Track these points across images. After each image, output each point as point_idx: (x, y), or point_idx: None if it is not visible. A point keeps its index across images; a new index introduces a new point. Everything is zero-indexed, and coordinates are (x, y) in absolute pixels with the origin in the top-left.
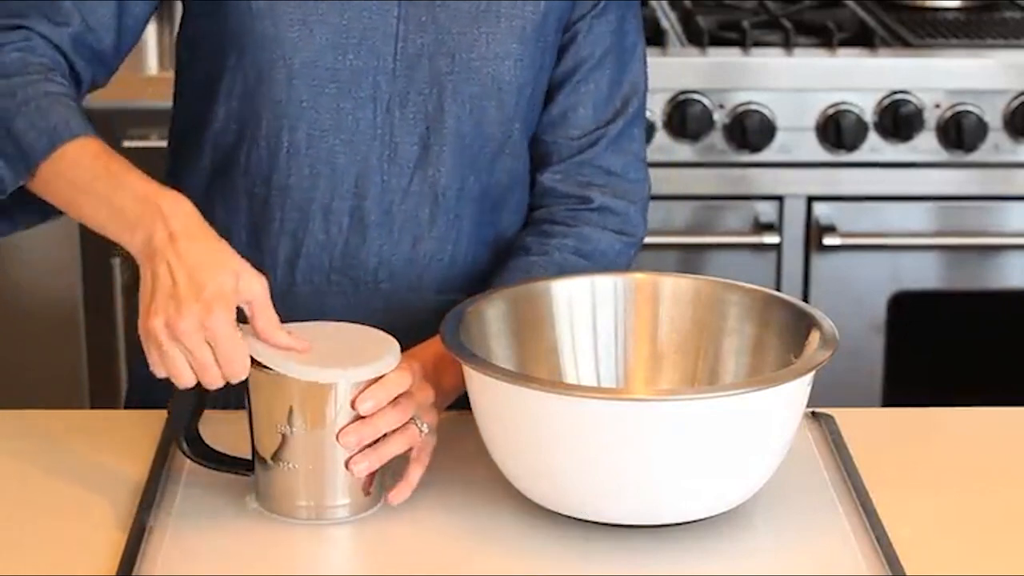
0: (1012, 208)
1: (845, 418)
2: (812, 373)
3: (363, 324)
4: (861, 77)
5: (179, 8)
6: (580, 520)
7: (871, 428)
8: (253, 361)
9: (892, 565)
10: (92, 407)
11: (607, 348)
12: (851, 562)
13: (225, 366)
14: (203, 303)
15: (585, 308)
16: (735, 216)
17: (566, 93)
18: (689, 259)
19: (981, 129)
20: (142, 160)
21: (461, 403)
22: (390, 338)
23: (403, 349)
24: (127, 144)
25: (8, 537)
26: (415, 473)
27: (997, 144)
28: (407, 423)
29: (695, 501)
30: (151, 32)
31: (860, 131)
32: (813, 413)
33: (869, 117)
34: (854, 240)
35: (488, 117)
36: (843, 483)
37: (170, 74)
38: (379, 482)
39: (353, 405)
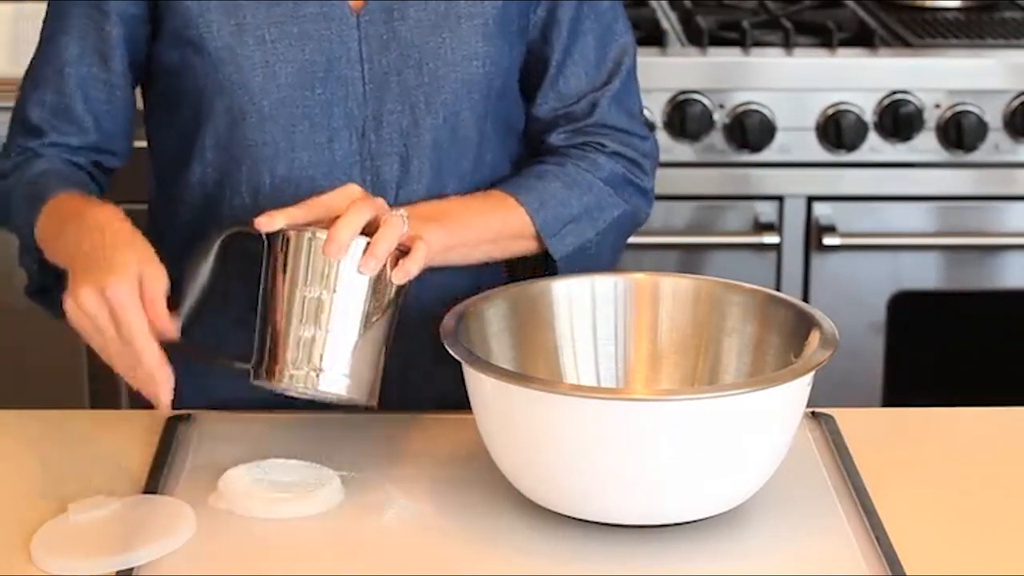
0: (1012, 208)
1: (845, 418)
2: (812, 373)
3: None
4: (861, 77)
5: None
6: (580, 520)
7: (871, 428)
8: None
9: (892, 565)
10: (92, 407)
11: (607, 348)
12: (851, 562)
13: (123, 332)
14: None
15: (585, 308)
16: (735, 216)
17: (555, 68)
18: (689, 259)
19: (981, 129)
20: (142, 160)
21: (461, 403)
22: None
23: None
24: None
25: (8, 537)
26: (419, 251)
27: (997, 144)
28: (385, 218)
29: (695, 501)
30: None
31: (860, 131)
32: (813, 413)
33: (869, 117)
34: (854, 240)
35: (463, 122)
36: (843, 483)
37: None
38: (376, 381)
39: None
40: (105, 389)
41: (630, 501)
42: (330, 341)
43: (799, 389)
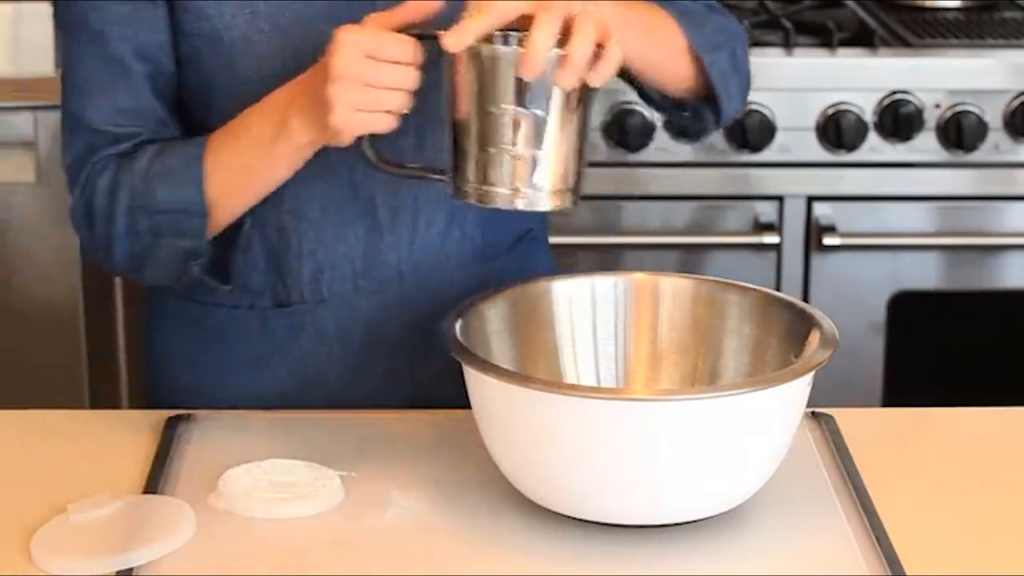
0: (1012, 208)
1: (845, 418)
2: (812, 373)
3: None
4: (861, 77)
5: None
6: (580, 520)
7: (871, 428)
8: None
9: (892, 565)
10: (92, 407)
11: (607, 348)
12: (851, 562)
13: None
14: (339, 38)
15: (585, 308)
16: (735, 216)
17: None
18: (689, 259)
19: (981, 129)
20: None
21: (461, 403)
22: None
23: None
24: None
25: (8, 537)
26: (613, 52)
27: (997, 144)
28: (577, 24)
29: (695, 501)
30: None
31: (860, 131)
32: (813, 413)
33: (869, 117)
34: (854, 240)
35: None
36: (843, 483)
37: None
38: (580, 183)
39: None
40: (105, 389)
41: (630, 501)
42: (530, 158)
43: (799, 389)
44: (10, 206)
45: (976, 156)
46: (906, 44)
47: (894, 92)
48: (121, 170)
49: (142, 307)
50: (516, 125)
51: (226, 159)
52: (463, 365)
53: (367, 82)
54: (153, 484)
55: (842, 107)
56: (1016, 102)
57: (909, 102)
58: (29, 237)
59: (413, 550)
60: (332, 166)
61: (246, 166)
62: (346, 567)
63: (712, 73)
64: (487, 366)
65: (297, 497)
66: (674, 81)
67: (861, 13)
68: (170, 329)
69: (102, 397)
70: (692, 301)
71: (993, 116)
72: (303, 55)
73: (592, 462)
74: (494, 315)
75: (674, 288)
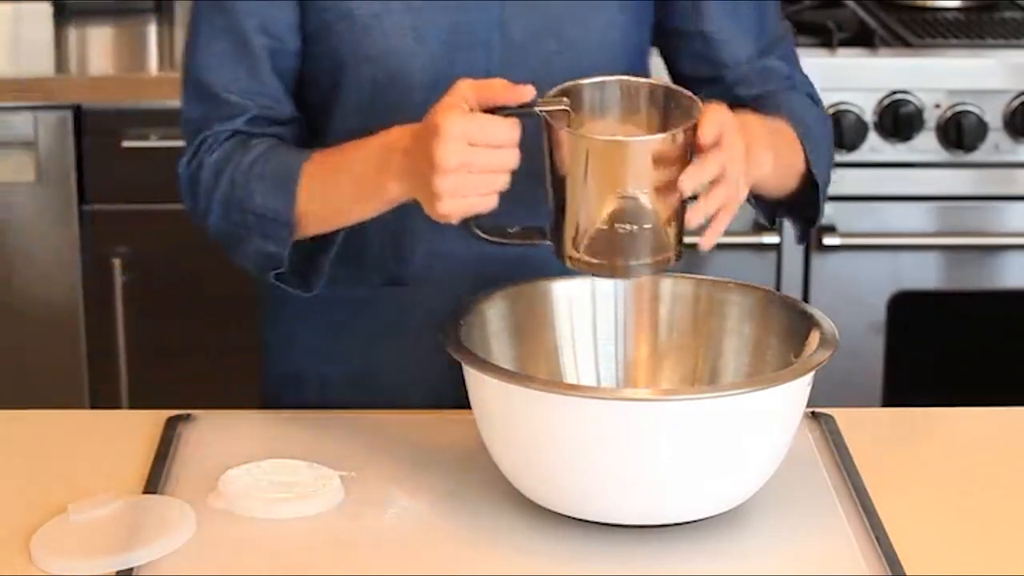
0: (1012, 208)
1: (845, 418)
2: (812, 373)
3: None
4: (861, 77)
5: (180, 8)
6: (580, 520)
7: (871, 428)
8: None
9: (892, 565)
10: (92, 407)
11: (607, 348)
12: (851, 562)
13: (493, 142)
14: (443, 127)
15: (585, 308)
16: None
17: (722, 42)
18: (689, 259)
19: (981, 129)
20: (142, 160)
21: (461, 403)
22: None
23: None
24: (126, 144)
25: (8, 537)
26: (723, 219)
27: (997, 144)
28: (725, 177)
29: (695, 501)
30: (151, 32)
31: (860, 131)
32: (813, 413)
33: (869, 117)
34: (854, 240)
35: None
36: (843, 483)
37: (170, 74)
38: (681, 242)
39: (699, 147)
40: (105, 389)
41: (630, 501)
42: (638, 233)
43: (799, 389)
44: (10, 206)
45: (976, 156)
46: (906, 44)
47: (894, 92)
48: (229, 157)
49: (142, 307)
50: (626, 204)
51: (320, 189)
52: (463, 365)
53: (471, 170)
54: (153, 484)
55: (842, 107)
56: (1016, 102)
57: (909, 102)
58: (29, 237)
59: (413, 550)
60: None
61: (338, 204)
62: (346, 567)
63: (821, 198)
64: (487, 366)
65: (297, 497)
66: (777, 194)
67: (861, 13)
68: (291, 317)
69: (102, 397)
70: (692, 301)
71: (993, 116)
72: (429, 36)
73: (592, 462)
74: (494, 315)
75: (674, 288)
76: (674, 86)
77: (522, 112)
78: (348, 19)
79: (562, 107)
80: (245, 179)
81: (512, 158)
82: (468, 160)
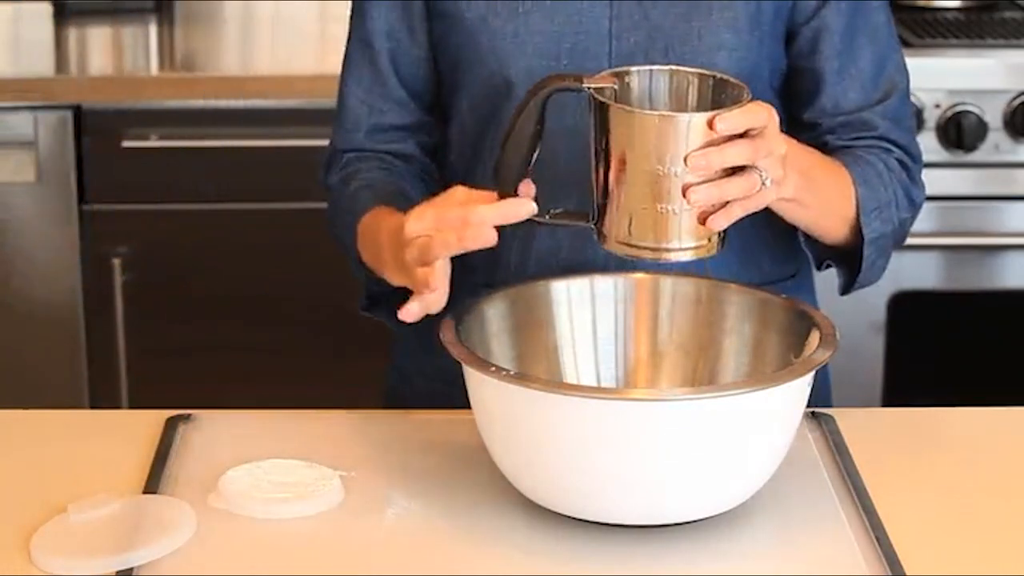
0: (1012, 208)
1: (845, 418)
2: (812, 373)
3: None
4: None
5: (180, 8)
6: (580, 520)
7: (871, 428)
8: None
9: (892, 565)
10: (92, 407)
11: (607, 348)
12: (851, 562)
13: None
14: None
15: (585, 308)
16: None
17: (830, 83)
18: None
19: (981, 129)
20: (142, 160)
21: (461, 403)
22: (741, 83)
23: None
24: (127, 144)
25: (8, 537)
26: (736, 210)
27: (997, 144)
28: (751, 170)
29: (695, 501)
30: (151, 32)
31: None
32: (813, 413)
33: None
34: None
35: None
36: (843, 483)
37: (170, 74)
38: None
39: (710, 124)
40: (105, 389)
41: (630, 501)
42: (681, 213)
43: (799, 389)
44: (10, 206)
45: (976, 156)
46: (906, 44)
47: None
48: (345, 181)
49: (142, 307)
50: (671, 184)
51: (365, 248)
52: (463, 365)
53: (439, 228)
54: (153, 484)
55: None
56: (1016, 102)
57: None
58: (29, 237)
59: (413, 550)
60: (561, 167)
61: (379, 268)
62: (346, 567)
63: (866, 254)
64: (487, 366)
65: (297, 497)
66: (822, 236)
67: None
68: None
69: (102, 397)
70: (692, 301)
71: (993, 116)
72: (530, 42)
73: (592, 462)
74: (494, 315)
75: (674, 288)
76: (726, 75)
77: (571, 88)
78: (460, 22)
79: (611, 85)
80: (335, 208)
81: (484, 211)
82: (430, 226)
